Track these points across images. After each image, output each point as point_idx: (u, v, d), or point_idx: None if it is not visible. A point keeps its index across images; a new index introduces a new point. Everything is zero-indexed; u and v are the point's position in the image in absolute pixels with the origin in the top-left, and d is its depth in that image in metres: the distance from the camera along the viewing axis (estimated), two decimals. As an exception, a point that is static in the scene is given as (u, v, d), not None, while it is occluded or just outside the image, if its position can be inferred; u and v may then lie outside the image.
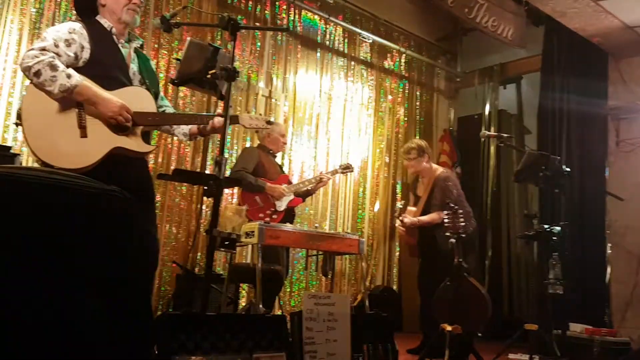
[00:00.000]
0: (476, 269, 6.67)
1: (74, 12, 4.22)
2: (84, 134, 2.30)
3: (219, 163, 2.23)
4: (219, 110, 2.77)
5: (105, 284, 1.23)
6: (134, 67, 2.55)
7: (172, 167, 4.63)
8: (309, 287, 5.62)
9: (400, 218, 4.23)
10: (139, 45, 2.64)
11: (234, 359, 1.78)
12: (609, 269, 5.63)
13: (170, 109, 2.76)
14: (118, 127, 2.34)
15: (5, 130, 4.02)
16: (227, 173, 4.13)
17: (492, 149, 7.02)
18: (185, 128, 2.74)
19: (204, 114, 2.56)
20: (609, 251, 5.65)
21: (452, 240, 3.25)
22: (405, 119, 6.95)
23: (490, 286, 6.65)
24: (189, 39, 2.46)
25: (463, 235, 3.27)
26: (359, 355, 2.10)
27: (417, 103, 7.14)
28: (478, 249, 6.86)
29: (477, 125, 7.26)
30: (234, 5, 5.42)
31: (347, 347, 2.07)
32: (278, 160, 4.85)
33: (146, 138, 2.50)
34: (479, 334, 4.35)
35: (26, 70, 2.24)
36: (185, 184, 4.53)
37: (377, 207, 6.52)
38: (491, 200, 6.92)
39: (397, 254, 6.59)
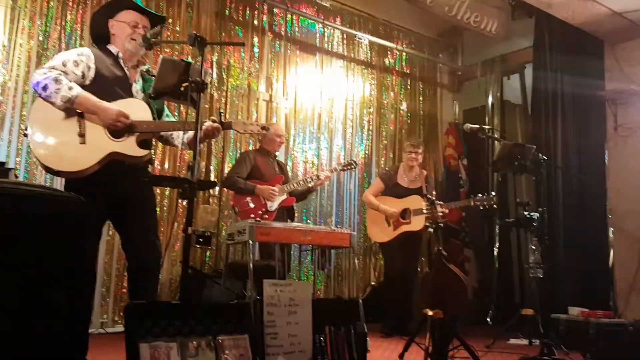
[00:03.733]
0: (484, 258, 6.81)
1: (80, 36, 4.64)
2: (83, 141, 2.60)
3: (192, 168, 2.46)
4: (213, 117, 2.97)
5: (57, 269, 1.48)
6: (137, 86, 2.87)
7: (179, 172, 4.96)
8: (316, 282, 5.82)
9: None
10: (144, 70, 2.97)
11: (198, 342, 2.01)
12: (612, 254, 5.68)
13: None
14: (116, 133, 2.63)
15: (20, 147, 4.36)
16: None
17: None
18: (184, 137, 2.99)
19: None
20: (611, 236, 5.70)
21: (431, 229, 3.41)
22: (409, 114, 7.10)
23: (500, 276, 6.75)
24: (161, 56, 2.70)
25: (441, 225, 3.43)
26: (320, 336, 2.30)
27: (420, 98, 7.28)
28: (487, 239, 7.01)
29: (482, 116, 7.35)
30: (232, 16, 5.66)
31: (309, 329, 2.27)
32: (282, 160, 5.08)
33: (144, 145, 2.77)
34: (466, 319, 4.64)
35: (36, 85, 2.59)
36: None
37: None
38: (497, 190, 6.98)
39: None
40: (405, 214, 4.79)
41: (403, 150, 5.14)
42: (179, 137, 2.98)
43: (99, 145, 2.62)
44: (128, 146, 2.68)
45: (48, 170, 2.60)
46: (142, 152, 2.73)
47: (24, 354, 1.48)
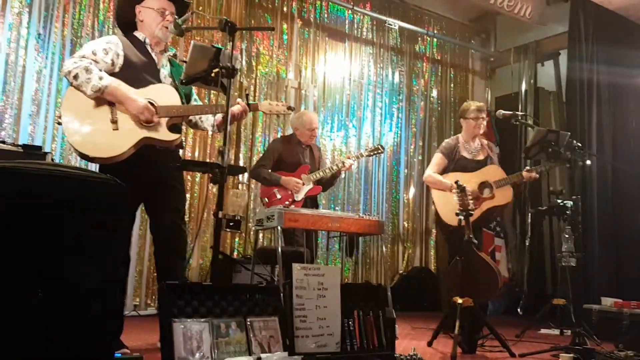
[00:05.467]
0: (516, 247, 6.72)
1: (113, 24, 4.70)
2: (116, 127, 2.66)
3: (222, 153, 2.48)
4: (239, 100, 3.01)
5: (93, 251, 1.51)
6: (165, 71, 2.93)
7: (210, 159, 5.01)
8: (343, 269, 5.84)
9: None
10: (171, 54, 3.01)
11: (228, 322, 2.04)
12: (647, 244, 5.53)
13: None
14: (144, 121, 2.68)
15: (55, 133, 4.47)
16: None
17: (530, 128, 6.96)
18: (212, 120, 3.05)
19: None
20: (646, 225, 5.55)
21: (461, 217, 3.38)
22: (439, 101, 7.02)
23: (531, 265, 6.66)
24: (192, 42, 2.72)
25: (472, 213, 3.39)
26: (349, 320, 2.31)
27: (451, 85, 7.19)
28: (518, 228, 6.91)
29: (515, 104, 7.21)
30: (262, 3, 5.67)
31: (337, 312, 2.28)
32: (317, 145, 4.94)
33: (174, 129, 2.81)
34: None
35: (67, 74, 2.66)
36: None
37: (411, 192, 6.65)
38: (529, 179, 6.87)
39: (434, 235, 6.71)
40: (484, 187, 4.14)
41: (462, 116, 4.37)
42: (208, 119, 3.02)
43: (131, 130, 2.68)
44: (159, 131, 2.73)
45: (83, 157, 2.65)
46: (173, 136, 2.78)
47: (61, 333, 1.52)
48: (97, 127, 2.64)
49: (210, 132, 2.99)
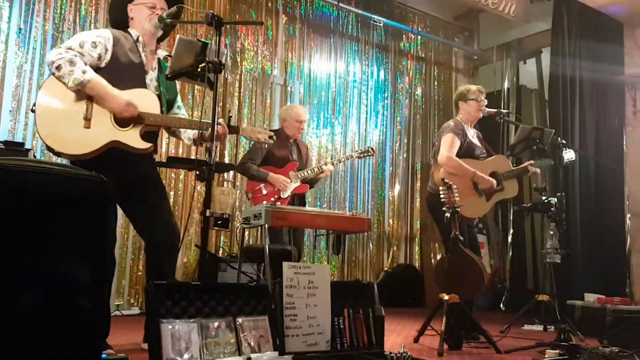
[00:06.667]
0: (499, 244, 6.78)
1: (95, 19, 4.62)
2: (87, 125, 2.58)
3: (209, 150, 2.45)
4: (221, 120, 2.91)
5: (82, 249, 1.48)
6: (152, 74, 2.83)
7: (193, 156, 4.95)
8: (330, 267, 5.82)
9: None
10: (162, 57, 2.93)
11: (218, 322, 2.01)
12: (628, 240, 5.62)
13: (184, 116, 2.98)
14: (122, 122, 2.60)
15: (36, 129, 4.37)
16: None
17: (512, 126, 7.02)
18: (190, 133, 2.96)
19: (204, 120, 2.70)
20: (628, 222, 5.64)
21: (447, 214, 3.38)
22: (423, 99, 7.04)
23: (513, 262, 6.72)
24: (178, 36, 2.67)
25: (458, 210, 3.39)
26: (339, 318, 2.30)
27: (435, 83, 7.21)
28: (500, 225, 6.97)
29: (497, 102, 7.26)
30: (246, -1, 5.63)
31: (328, 311, 2.27)
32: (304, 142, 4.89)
33: (149, 137, 2.72)
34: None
35: (50, 64, 2.57)
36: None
37: (396, 189, 6.65)
38: (512, 176, 6.93)
39: (418, 233, 6.73)
40: (495, 178, 3.91)
41: (462, 99, 4.03)
42: (187, 132, 2.95)
43: (102, 131, 2.59)
44: (131, 137, 2.64)
45: (49, 149, 2.58)
46: (143, 145, 2.68)
47: (50, 333, 1.48)
48: (68, 122, 2.55)
49: (190, 145, 2.90)
